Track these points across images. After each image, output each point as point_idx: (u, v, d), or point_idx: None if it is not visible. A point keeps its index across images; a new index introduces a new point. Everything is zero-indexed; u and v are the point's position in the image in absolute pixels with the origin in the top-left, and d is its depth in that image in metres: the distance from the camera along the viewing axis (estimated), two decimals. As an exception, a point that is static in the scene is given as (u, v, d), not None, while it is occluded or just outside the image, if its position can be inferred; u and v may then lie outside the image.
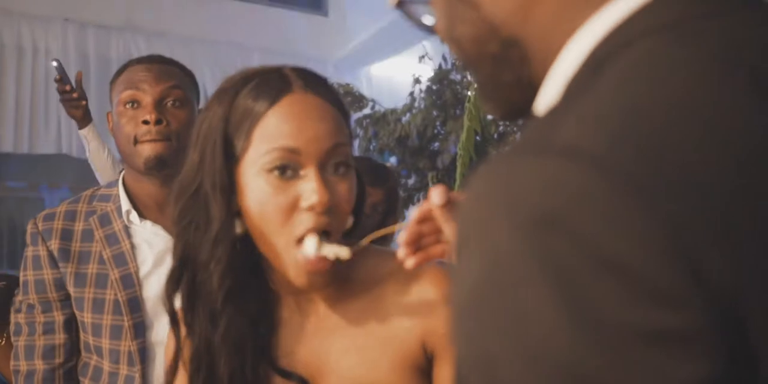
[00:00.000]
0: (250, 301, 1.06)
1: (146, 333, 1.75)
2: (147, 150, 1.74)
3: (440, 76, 4.75)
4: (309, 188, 0.98)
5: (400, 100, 5.11)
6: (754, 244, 0.43)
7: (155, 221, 1.82)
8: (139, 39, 5.91)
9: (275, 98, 1.02)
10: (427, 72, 5.25)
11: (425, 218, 0.96)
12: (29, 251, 1.81)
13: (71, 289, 1.76)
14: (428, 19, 0.72)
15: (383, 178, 3.19)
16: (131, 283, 1.75)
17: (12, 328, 1.80)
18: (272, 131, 1.00)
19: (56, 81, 2.68)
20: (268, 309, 1.10)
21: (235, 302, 1.04)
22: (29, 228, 1.83)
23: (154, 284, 1.77)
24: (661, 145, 0.44)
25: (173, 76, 1.81)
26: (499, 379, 0.45)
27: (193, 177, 1.04)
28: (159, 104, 1.76)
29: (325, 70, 6.55)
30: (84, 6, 5.68)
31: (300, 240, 0.98)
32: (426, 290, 1.07)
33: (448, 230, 0.92)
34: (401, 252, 0.96)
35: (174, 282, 1.07)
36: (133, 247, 1.79)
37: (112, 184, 1.87)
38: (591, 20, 0.55)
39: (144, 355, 1.73)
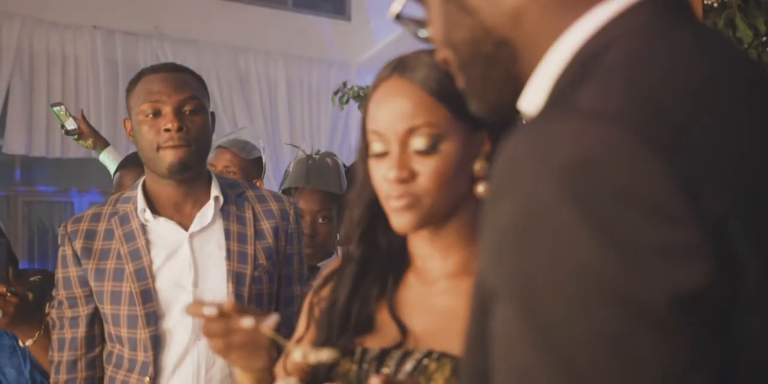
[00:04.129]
0: (381, 255, 1.23)
1: (158, 322, 1.88)
2: (170, 156, 1.89)
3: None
4: (387, 165, 1.13)
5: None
6: (739, 179, 0.57)
7: (170, 218, 1.97)
8: (166, 46, 6.03)
9: (377, 85, 1.19)
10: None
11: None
12: (60, 251, 1.98)
13: (93, 284, 1.91)
14: (423, 32, 0.85)
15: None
16: (144, 275, 1.89)
17: (50, 323, 1.99)
18: (370, 114, 1.17)
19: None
20: (399, 271, 1.25)
21: (365, 247, 1.23)
22: (60, 230, 1.99)
23: (165, 276, 1.92)
24: (661, 106, 0.58)
25: (189, 86, 1.95)
26: (538, 297, 0.55)
27: (357, 150, 1.25)
28: (178, 112, 1.90)
29: (349, 74, 6.62)
30: (112, 13, 5.80)
31: (386, 198, 1.15)
32: None
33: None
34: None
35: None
36: (148, 242, 1.93)
37: (135, 187, 2.02)
38: (574, 26, 0.68)
39: (156, 342, 1.87)
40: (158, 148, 1.89)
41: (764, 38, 1.87)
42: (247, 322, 1.06)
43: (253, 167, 3.15)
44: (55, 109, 3.12)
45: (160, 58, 5.89)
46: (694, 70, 0.63)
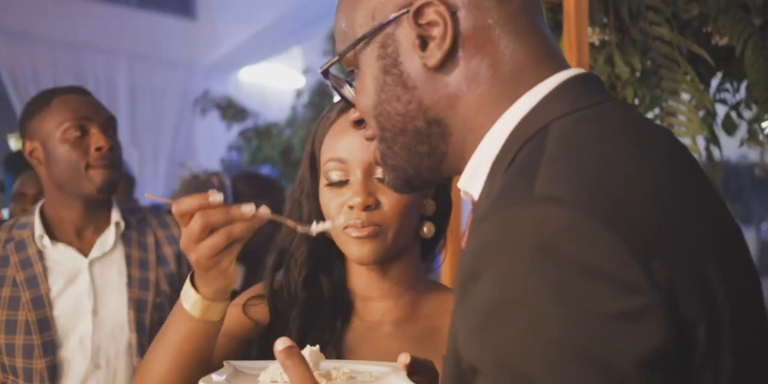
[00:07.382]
0: (325, 298, 1.22)
1: (55, 351, 1.82)
2: (100, 175, 1.83)
3: (322, 89, 4.87)
4: (350, 192, 1.15)
5: (276, 108, 5.18)
6: (678, 247, 0.66)
7: (69, 244, 1.91)
8: (-2, 40, 5.68)
9: (337, 117, 1.20)
10: (301, 80, 5.34)
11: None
12: None
13: None
14: (347, 91, 0.89)
15: (269, 189, 3.31)
16: (41, 303, 1.83)
17: None
18: (330, 144, 1.18)
19: None
20: (345, 314, 1.24)
21: (310, 291, 1.22)
22: None
23: (64, 303, 1.85)
24: (607, 188, 0.66)
25: (106, 109, 1.92)
26: (518, 368, 0.62)
27: (297, 184, 1.25)
28: (106, 132, 1.86)
29: (194, 75, 6.50)
30: (-63, 3, 5.41)
31: (344, 228, 1.15)
32: None
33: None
34: None
35: (274, 267, 1.25)
36: (45, 269, 1.86)
37: (31, 213, 1.93)
38: (508, 112, 0.76)
39: (53, 372, 1.81)
40: (87, 167, 1.83)
41: (638, 74, 2.04)
42: (247, 208, 0.99)
43: (123, 185, 3.05)
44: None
45: (-10, 52, 5.55)
46: (625, 149, 0.71)
